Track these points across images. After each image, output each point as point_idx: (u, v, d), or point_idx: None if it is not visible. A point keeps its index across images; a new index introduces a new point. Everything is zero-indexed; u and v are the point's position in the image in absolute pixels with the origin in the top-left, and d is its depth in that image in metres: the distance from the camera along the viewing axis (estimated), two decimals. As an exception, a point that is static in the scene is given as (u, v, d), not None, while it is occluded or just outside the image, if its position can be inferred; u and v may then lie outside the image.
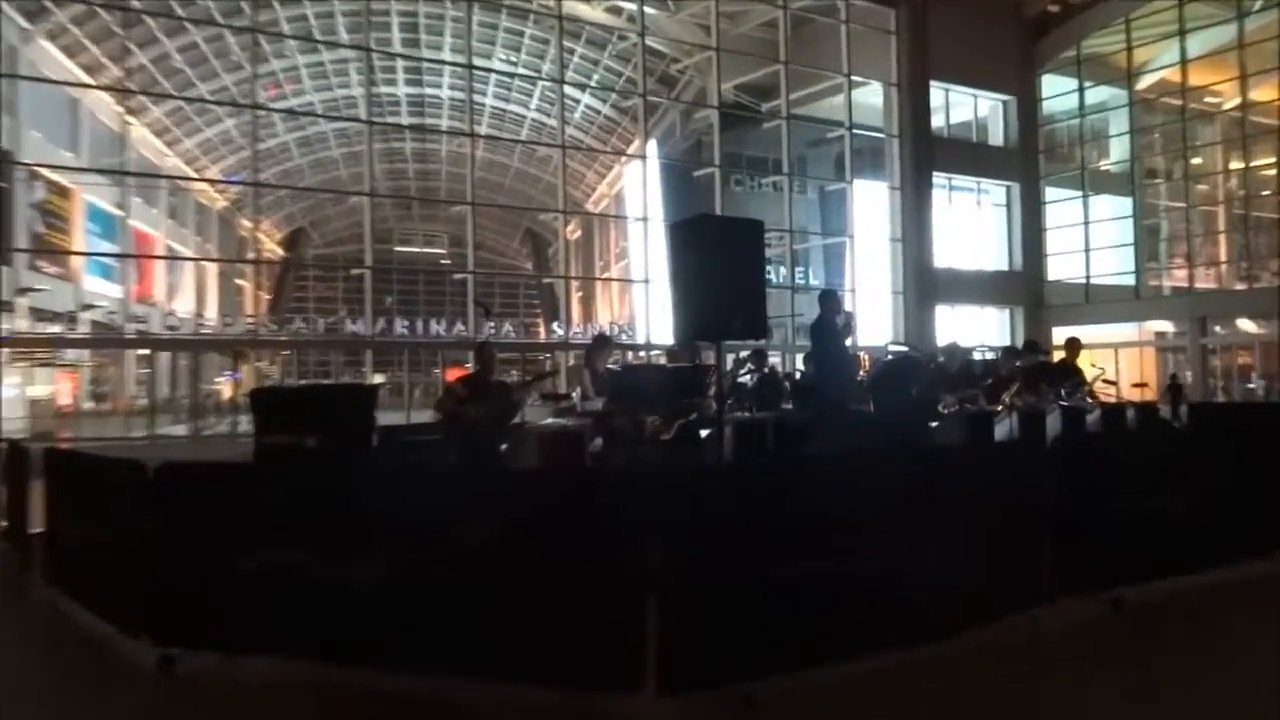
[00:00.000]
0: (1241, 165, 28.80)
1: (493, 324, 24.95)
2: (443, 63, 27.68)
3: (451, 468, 6.68)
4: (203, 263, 32.16)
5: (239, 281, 34.12)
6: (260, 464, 6.47)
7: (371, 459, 6.97)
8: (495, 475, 5.62)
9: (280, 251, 38.65)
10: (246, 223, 29.07)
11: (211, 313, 30.16)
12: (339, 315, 27.10)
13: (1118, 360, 28.38)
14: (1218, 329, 28.90)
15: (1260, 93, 27.82)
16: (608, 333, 23.21)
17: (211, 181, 31.56)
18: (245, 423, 16.28)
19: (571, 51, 27.27)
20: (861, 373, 12.52)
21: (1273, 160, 29.69)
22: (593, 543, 4.44)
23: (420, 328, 25.19)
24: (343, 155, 32.71)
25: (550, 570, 4.44)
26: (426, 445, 7.78)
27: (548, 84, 27.68)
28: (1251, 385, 27.99)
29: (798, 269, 28.01)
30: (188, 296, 30.11)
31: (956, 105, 29.87)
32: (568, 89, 26.09)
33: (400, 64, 28.72)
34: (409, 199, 37.39)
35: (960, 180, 29.54)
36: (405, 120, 31.53)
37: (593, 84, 29.23)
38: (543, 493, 4.81)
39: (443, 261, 41.37)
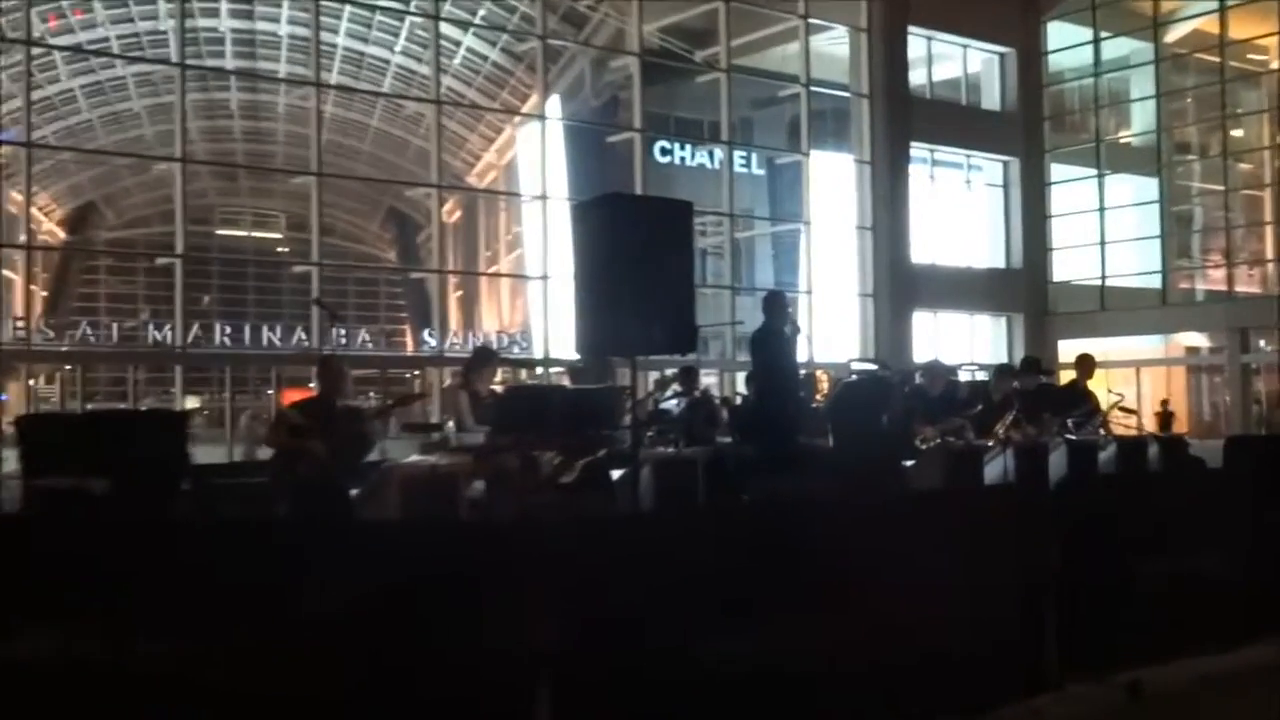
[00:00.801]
0: (1291, 140, 29.74)
1: (342, 330, 24.65)
2: (281, -10, 27.41)
3: (283, 520, 6.60)
4: (-45, 248, 31.31)
5: (5, 273, 33.31)
6: (30, 515, 6.32)
7: (180, 508, 6.86)
8: (341, 530, 5.57)
9: (62, 234, 37.78)
10: (16, 195, 28.36)
11: (-33, 314, 29.35)
12: (140, 319, 26.54)
13: (1140, 382, 29.09)
14: (1263, 344, 29.74)
15: (1315, 49, 28.81)
16: (493, 345, 23.24)
17: (-31, 140, 30.75)
18: (12, 460, 15.88)
19: (450, -21, 27.21)
20: (819, 397, 12.68)
21: (1328, 135, 30.78)
22: (470, 616, 4.41)
23: (248, 336, 24.79)
24: (147, 109, 32.10)
25: (411, 650, 4.40)
26: (252, 490, 7.68)
27: (418, 20, 27.51)
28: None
29: (740, 264, 28.23)
30: (-66, 292, 29.29)
31: (942, 59, 30.43)
32: (444, 27, 26.02)
33: (225, -10, 28.38)
34: (235, 167, 36.82)
35: (945, 154, 30.09)
36: (230, 64, 31.06)
37: (477, 22, 29.15)
38: (404, 552, 4.77)
39: (279, 249, 40.78)
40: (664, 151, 28.47)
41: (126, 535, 4.96)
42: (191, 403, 27.54)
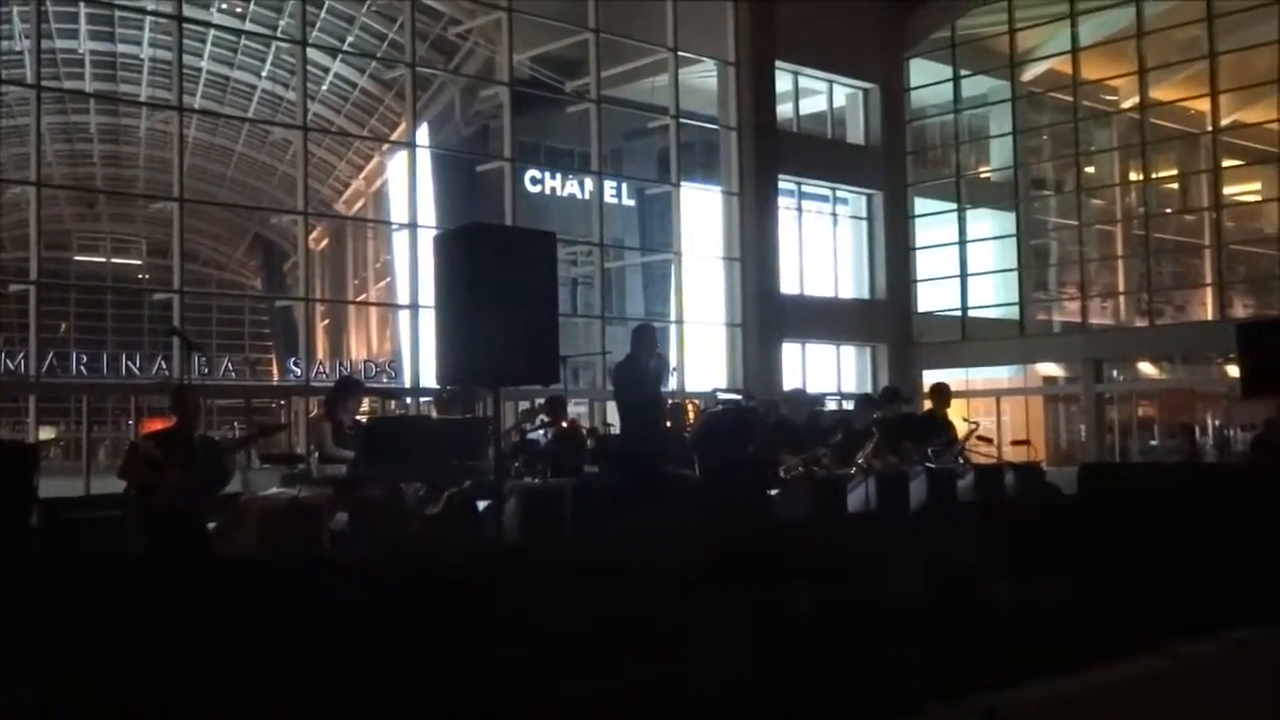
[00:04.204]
0: (1140, 177, 30.75)
1: (204, 359, 24.14)
2: (143, 11, 26.86)
3: (134, 556, 6.44)
4: None
5: None
6: None
7: (24, 545, 6.66)
8: (196, 566, 5.44)
9: (-92, 259, 36.52)
10: None
11: None
12: (-9, 347, 25.69)
13: (1000, 411, 29.76)
14: (1115, 374, 30.67)
15: (1161, 91, 29.85)
16: (361, 375, 22.98)
17: None
18: None
19: (319, 3, 26.94)
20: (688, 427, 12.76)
21: (1174, 172, 31.93)
22: (334, 656, 4.33)
23: (106, 365, 24.20)
24: (0, 130, 31.28)
25: (270, 690, 4.30)
26: (105, 524, 7.48)
27: (285, 45, 27.20)
28: (1154, 442, 29.79)
29: (610, 294, 28.30)
30: None
31: (808, 93, 30.93)
32: (311, 52, 25.73)
33: (84, 10, 27.73)
34: (94, 191, 36.03)
35: (812, 186, 30.52)
36: (89, 86, 30.41)
37: (345, 48, 28.93)
38: (263, 587, 4.68)
39: (139, 276, 40.01)
40: (534, 181, 28.47)
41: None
42: (46, 433, 26.78)
